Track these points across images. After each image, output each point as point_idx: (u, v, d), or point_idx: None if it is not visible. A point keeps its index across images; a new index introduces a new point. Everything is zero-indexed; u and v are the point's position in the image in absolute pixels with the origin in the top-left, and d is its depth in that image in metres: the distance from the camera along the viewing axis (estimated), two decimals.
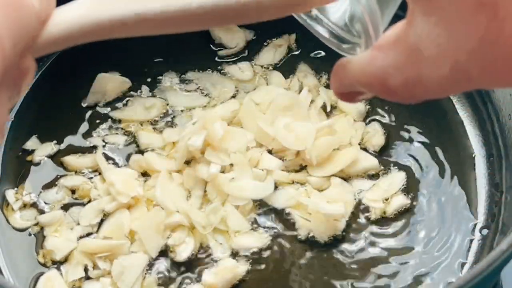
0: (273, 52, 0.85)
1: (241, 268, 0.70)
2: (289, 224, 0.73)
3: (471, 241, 0.73)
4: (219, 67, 0.84)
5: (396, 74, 0.39)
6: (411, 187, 0.76)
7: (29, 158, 0.78)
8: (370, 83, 0.41)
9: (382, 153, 0.78)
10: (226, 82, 0.83)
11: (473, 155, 0.78)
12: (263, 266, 0.71)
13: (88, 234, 0.73)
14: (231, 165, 0.75)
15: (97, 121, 0.81)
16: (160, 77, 0.83)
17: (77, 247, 0.72)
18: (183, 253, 0.71)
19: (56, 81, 0.84)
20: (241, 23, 0.44)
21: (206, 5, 0.43)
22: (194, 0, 0.43)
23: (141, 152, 0.78)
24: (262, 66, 0.84)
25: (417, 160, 0.77)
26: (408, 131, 0.80)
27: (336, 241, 0.72)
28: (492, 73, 0.36)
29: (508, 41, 0.35)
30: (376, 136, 0.79)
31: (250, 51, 0.85)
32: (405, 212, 0.74)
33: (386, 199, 0.75)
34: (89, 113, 0.81)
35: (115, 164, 0.78)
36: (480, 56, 0.36)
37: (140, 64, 0.84)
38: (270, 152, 0.77)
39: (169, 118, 0.80)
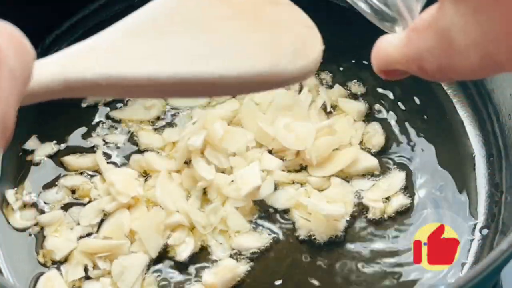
0: None
1: (241, 268, 0.70)
2: (289, 224, 0.73)
3: (471, 241, 0.73)
4: None
5: (430, 59, 0.40)
6: (411, 187, 0.76)
7: (29, 158, 0.78)
8: (407, 64, 0.43)
9: (382, 153, 0.78)
10: None
11: (473, 155, 0.78)
12: (263, 266, 0.71)
13: (88, 234, 0.73)
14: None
15: (97, 121, 0.81)
16: None
17: (77, 247, 0.72)
18: (183, 253, 0.71)
19: None
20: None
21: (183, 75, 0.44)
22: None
23: (141, 152, 0.78)
24: None
25: (417, 160, 0.77)
26: (408, 131, 0.80)
27: (336, 241, 0.72)
28: None
29: None
30: (376, 136, 0.79)
31: None
32: (405, 212, 0.74)
33: (386, 199, 0.75)
34: (89, 113, 0.81)
35: (115, 164, 0.78)
36: (507, 43, 0.36)
37: None
38: (270, 152, 0.77)
39: (169, 118, 0.80)
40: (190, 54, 0.46)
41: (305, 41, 0.51)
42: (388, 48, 0.44)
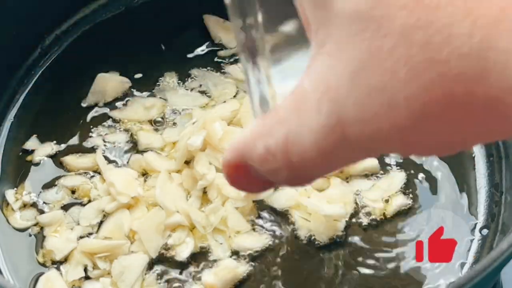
0: None
1: (241, 268, 0.70)
2: (289, 224, 0.73)
3: (471, 241, 0.73)
4: (219, 67, 0.84)
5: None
6: (411, 187, 0.76)
7: (29, 158, 0.78)
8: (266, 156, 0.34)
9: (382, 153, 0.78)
10: (227, 83, 0.83)
11: (473, 155, 0.78)
12: (263, 266, 0.71)
13: (88, 234, 0.73)
14: None
15: (97, 121, 0.81)
16: (160, 77, 0.83)
17: (77, 247, 0.72)
18: (183, 253, 0.71)
19: (56, 81, 0.84)
20: None
21: None
22: None
23: (141, 152, 0.78)
24: None
25: (417, 160, 0.77)
26: None
27: (336, 241, 0.72)
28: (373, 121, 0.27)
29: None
30: None
31: None
32: (405, 212, 0.74)
33: (386, 199, 0.75)
34: (89, 113, 0.81)
35: (115, 164, 0.78)
36: (356, 89, 0.27)
37: (140, 64, 0.84)
38: None
39: (169, 118, 0.80)
40: None
41: None
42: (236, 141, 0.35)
